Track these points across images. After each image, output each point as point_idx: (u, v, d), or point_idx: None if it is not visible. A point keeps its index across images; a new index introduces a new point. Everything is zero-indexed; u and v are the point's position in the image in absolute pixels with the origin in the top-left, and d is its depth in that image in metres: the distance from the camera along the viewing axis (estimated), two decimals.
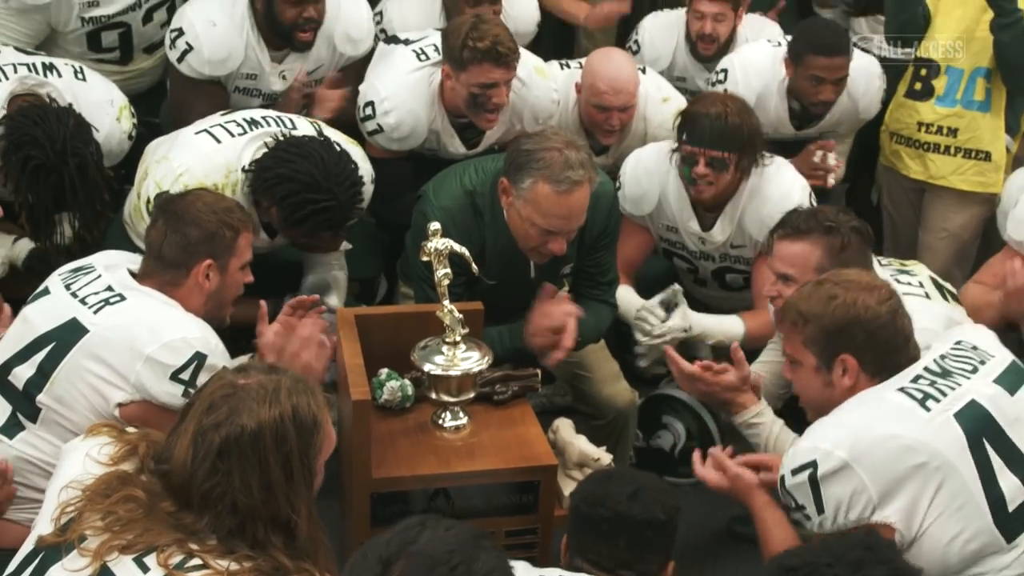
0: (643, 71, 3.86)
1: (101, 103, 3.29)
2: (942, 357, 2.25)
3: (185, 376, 2.38)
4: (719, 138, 3.18)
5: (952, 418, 2.12)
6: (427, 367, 2.51)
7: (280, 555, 1.77)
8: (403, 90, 3.48)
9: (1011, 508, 2.11)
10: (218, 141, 3.06)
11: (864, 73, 3.85)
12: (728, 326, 3.27)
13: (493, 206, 2.86)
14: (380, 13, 3.98)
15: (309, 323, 2.65)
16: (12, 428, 2.44)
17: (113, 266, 2.59)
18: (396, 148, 3.54)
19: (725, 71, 3.87)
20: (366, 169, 3.21)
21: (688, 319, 3.25)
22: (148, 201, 3.00)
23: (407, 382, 2.61)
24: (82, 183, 3.01)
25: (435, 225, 2.50)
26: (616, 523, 2.02)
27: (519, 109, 3.60)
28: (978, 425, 2.12)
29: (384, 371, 2.61)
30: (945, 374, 2.20)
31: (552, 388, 3.70)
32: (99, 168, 3.08)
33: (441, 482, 2.43)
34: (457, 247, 2.49)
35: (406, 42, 3.64)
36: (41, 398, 2.43)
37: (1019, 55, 3.61)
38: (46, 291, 2.59)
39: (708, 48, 4.08)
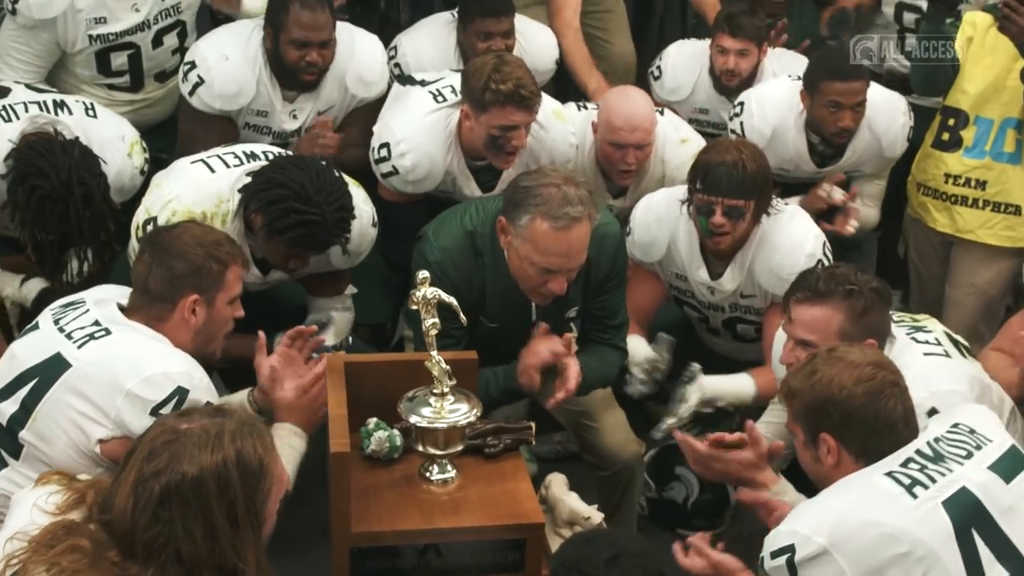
0: (661, 112, 3.81)
1: (112, 139, 3.30)
2: (936, 440, 2.16)
3: (166, 411, 2.33)
4: (737, 187, 3.10)
5: (940, 506, 2.02)
6: (413, 419, 2.45)
7: None
8: (419, 132, 3.45)
9: None
10: (212, 171, 3.05)
11: (887, 108, 3.76)
12: (739, 387, 3.21)
13: (493, 247, 2.82)
14: (395, 48, 3.97)
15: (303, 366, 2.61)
16: None
17: (103, 301, 2.57)
18: (411, 191, 3.51)
19: (742, 104, 3.82)
20: (367, 212, 3.18)
21: (702, 388, 3.20)
22: (137, 227, 3.00)
23: (396, 432, 2.55)
24: (88, 213, 3.00)
25: (423, 273, 2.44)
26: None
27: (536, 152, 3.55)
28: (967, 514, 2.03)
29: (373, 420, 2.55)
30: (937, 458, 2.11)
31: (565, 435, 3.63)
32: (105, 199, 3.08)
33: (423, 538, 2.36)
34: (445, 297, 2.44)
35: (422, 83, 3.61)
36: (23, 434, 2.41)
37: None
38: (36, 326, 2.58)
39: (731, 81, 4.03)
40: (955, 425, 2.22)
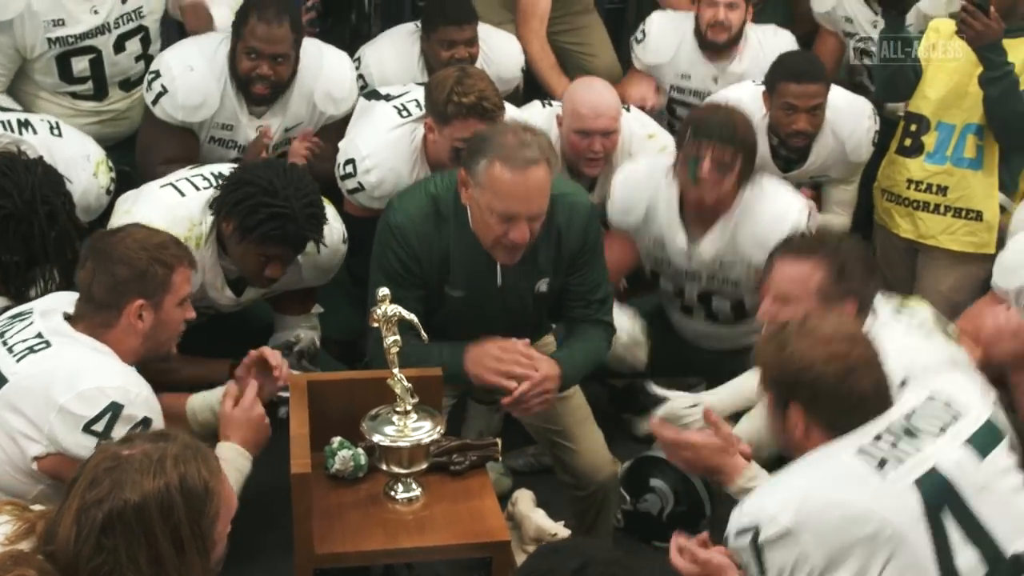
0: (627, 109, 3.82)
1: (77, 158, 3.27)
2: (909, 415, 2.12)
3: (99, 428, 2.31)
4: (729, 135, 3.15)
5: (910, 486, 2.00)
6: (376, 438, 2.43)
7: None
8: (384, 147, 3.44)
9: None
10: (182, 194, 3.03)
11: (851, 112, 3.76)
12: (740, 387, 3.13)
13: (457, 210, 2.82)
14: (358, 59, 3.96)
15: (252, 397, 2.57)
16: None
17: (49, 311, 2.53)
18: (377, 206, 3.47)
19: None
20: (338, 229, 3.17)
21: (691, 399, 3.13)
22: None
23: (360, 451, 2.53)
24: (53, 233, 2.94)
25: (383, 291, 2.42)
26: None
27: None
28: (938, 494, 2.00)
29: (336, 439, 2.53)
30: (910, 434, 2.08)
31: (539, 448, 3.60)
32: (71, 218, 3.02)
33: (388, 558, 2.37)
34: (406, 314, 2.42)
35: (387, 98, 3.60)
36: None
37: (1008, 110, 3.53)
38: None
39: (719, 36, 4.05)
40: (930, 397, 2.18)
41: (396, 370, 2.43)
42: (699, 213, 3.28)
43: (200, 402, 2.67)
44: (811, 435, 2.15)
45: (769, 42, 4.12)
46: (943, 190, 3.71)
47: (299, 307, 3.28)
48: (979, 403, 2.23)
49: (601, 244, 3.05)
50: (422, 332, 2.50)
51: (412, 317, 2.44)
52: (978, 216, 3.70)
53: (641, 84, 4.27)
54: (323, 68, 3.66)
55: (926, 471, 2.02)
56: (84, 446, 2.28)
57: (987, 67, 3.50)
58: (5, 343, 2.45)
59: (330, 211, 3.15)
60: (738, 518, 2.09)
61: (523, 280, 2.91)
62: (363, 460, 2.53)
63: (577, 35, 4.54)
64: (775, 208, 3.25)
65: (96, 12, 3.62)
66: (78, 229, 3.06)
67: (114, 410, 2.32)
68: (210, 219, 2.98)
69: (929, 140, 3.72)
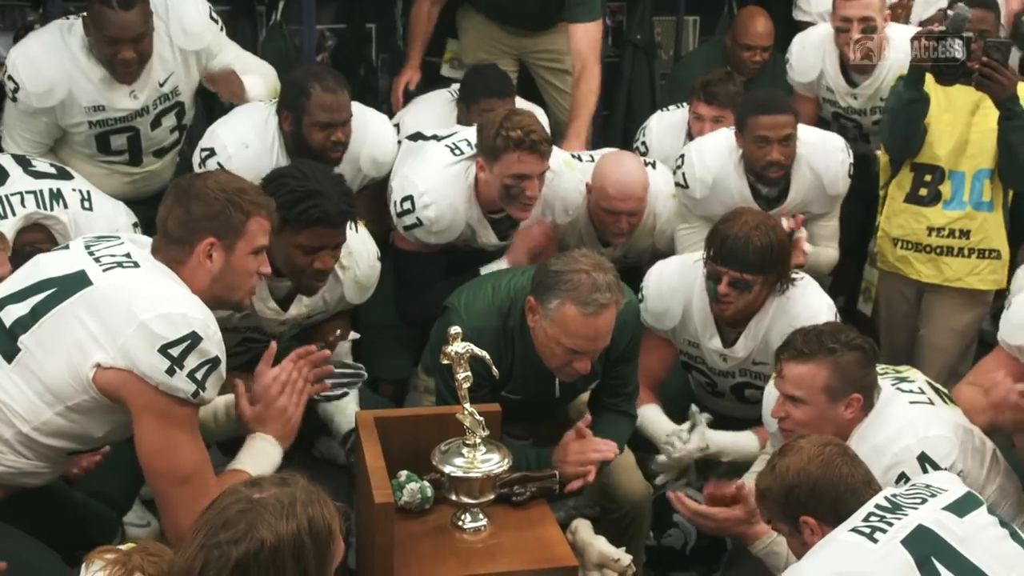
0: (653, 166, 3.93)
1: (105, 232, 3.22)
2: (894, 495, 2.31)
3: (174, 352, 2.31)
4: (743, 261, 3.19)
5: (899, 545, 2.16)
6: (448, 469, 2.53)
7: None
8: (442, 183, 3.54)
9: None
10: None
11: (823, 147, 3.88)
12: (744, 444, 3.33)
13: (523, 329, 2.90)
14: (397, 125, 4.05)
15: (290, 368, 2.61)
16: None
17: (139, 241, 2.58)
18: (434, 241, 3.59)
19: (683, 156, 3.91)
20: (372, 246, 3.26)
21: (706, 439, 3.32)
22: None
23: (426, 484, 2.62)
24: None
25: (455, 329, 2.54)
26: None
27: (550, 201, 3.67)
28: (925, 547, 2.16)
29: (403, 473, 2.62)
30: (895, 508, 2.25)
31: (580, 500, 3.60)
32: None
33: None
34: (478, 351, 2.53)
35: (436, 138, 3.71)
36: (24, 338, 2.38)
37: None
38: (65, 247, 2.58)
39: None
40: (913, 484, 2.39)
41: (467, 404, 2.53)
42: (728, 320, 3.35)
43: (221, 403, 2.66)
44: (822, 529, 2.33)
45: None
46: (966, 234, 3.84)
47: (333, 332, 3.33)
48: (958, 485, 2.39)
49: (640, 343, 3.16)
50: (493, 368, 2.61)
51: (484, 354, 2.55)
52: (998, 254, 3.85)
53: None
54: (368, 132, 3.72)
55: (912, 530, 2.19)
56: (155, 366, 2.31)
57: (1008, 116, 3.64)
58: (92, 254, 2.47)
59: (362, 229, 3.21)
60: None
61: (578, 386, 3.06)
62: (430, 492, 2.62)
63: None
64: (807, 311, 3.28)
65: (136, 97, 3.69)
66: None
67: (193, 339, 2.33)
68: None
69: (945, 188, 3.86)
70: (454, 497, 2.56)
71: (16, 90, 3.58)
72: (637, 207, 3.75)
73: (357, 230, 3.02)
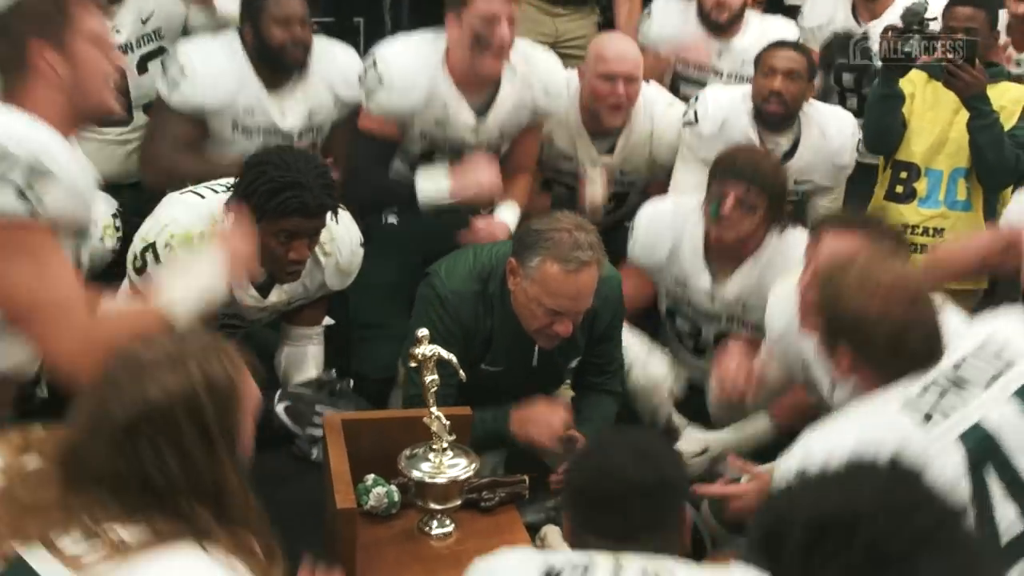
0: (647, 82, 3.92)
1: None
2: (959, 364, 2.14)
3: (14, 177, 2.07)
4: (751, 174, 3.19)
5: (955, 441, 2.03)
6: (414, 474, 2.49)
7: (210, 523, 1.68)
8: (409, 46, 3.55)
9: (1003, 542, 2.03)
10: (202, 197, 3.04)
11: (836, 116, 3.88)
12: (753, 430, 3.21)
13: (503, 294, 2.89)
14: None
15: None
16: None
17: None
18: (396, 108, 3.54)
19: (697, 96, 3.91)
20: (354, 231, 3.19)
21: (703, 441, 3.24)
22: (135, 257, 2.94)
23: (393, 488, 2.59)
24: None
25: (423, 331, 2.50)
26: (627, 491, 1.82)
27: (530, 82, 3.64)
28: (982, 450, 2.02)
29: (370, 477, 2.59)
30: (957, 385, 2.09)
31: (558, 501, 3.62)
32: None
33: None
34: (445, 354, 2.49)
35: None
36: None
37: (996, 156, 3.67)
38: None
39: (721, 16, 4.13)
40: (983, 343, 2.18)
41: (434, 408, 2.49)
42: (725, 254, 3.32)
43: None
44: (858, 371, 2.19)
45: (771, 24, 4.22)
46: (939, 232, 3.83)
47: (310, 316, 3.29)
48: None
49: (623, 317, 3.14)
50: (460, 371, 2.57)
51: (451, 357, 2.51)
52: None
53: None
54: (334, 53, 3.74)
55: (971, 426, 2.04)
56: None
57: (976, 116, 3.64)
58: None
59: (344, 215, 3.15)
60: (785, 461, 2.11)
61: (558, 358, 3.02)
62: (396, 497, 2.58)
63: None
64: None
65: (118, 31, 3.66)
66: None
67: (10, 156, 2.07)
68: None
69: (921, 186, 3.85)
70: (420, 502, 2.53)
71: None
72: (633, 71, 3.74)
73: (338, 221, 2.98)
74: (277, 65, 3.64)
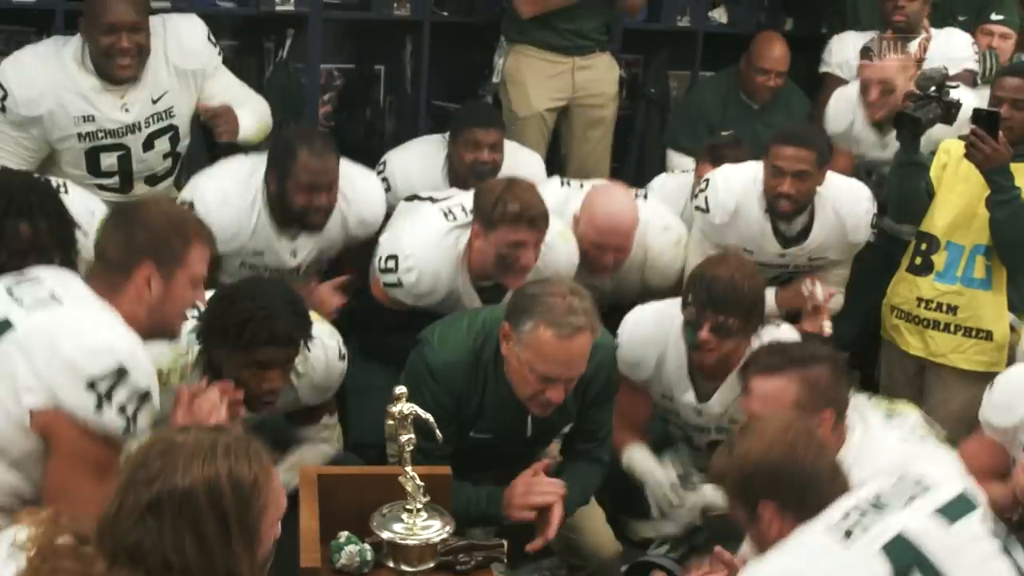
0: (644, 197, 3.87)
1: (82, 213, 3.13)
2: (878, 494, 2.13)
3: (101, 388, 2.25)
4: (725, 302, 3.11)
5: (877, 552, 1.99)
6: (385, 535, 2.44)
7: None
8: (429, 249, 3.48)
9: None
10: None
11: (850, 192, 3.82)
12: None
13: (496, 361, 2.85)
14: (384, 163, 4.04)
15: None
16: None
17: (62, 274, 2.50)
18: (412, 303, 3.54)
19: (707, 180, 3.85)
20: (333, 346, 3.12)
21: (705, 499, 3.24)
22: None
23: (366, 547, 2.52)
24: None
25: (400, 389, 2.46)
26: None
27: (542, 271, 3.57)
28: (906, 558, 1.99)
29: (344, 534, 2.52)
30: (877, 507, 2.08)
31: (554, 561, 3.54)
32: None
33: None
34: (422, 413, 2.45)
35: (431, 200, 3.67)
36: None
37: (1014, 233, 3.59)
38: None
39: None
40: (901, 477, 2.18)
41: (409, 468, 2.45)
42: (708, 371, 3.25)
43: None
44: (784, 529, 2.17)
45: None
46: (953, 309, 3.75)
47: (309, 416, 3.24)
48: (953, 478, 2.23)
49: (616, 386, 3.10)
50: (437, 432, 2.51)
51: (428, 416, 2.46)
52: (988, 336, 3.73)
53: None
54: (356, 192, 3.68)
55: (892, 537, 2.01)
56: (83, 405, 2.25)
57: (995, 191, 3.56)
58: (13, 295, 2.40)
59: (324, 328, 3.11)
60: None
61: (551, 427, 2.98)
62: (369, 556, 2.52)
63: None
64: None
65: (127, 111, 3.65)
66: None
67: (120, 374, 2.27)
68: (196, 348, 2.89)
69: (939, 259, 3.77)
70: (391, 564, 2.47)
71: (4, 97, 3.54)
72: (624, 243, 3.69)
73: (310, 348, 2.95)
74: (295, 224, 3.60)
